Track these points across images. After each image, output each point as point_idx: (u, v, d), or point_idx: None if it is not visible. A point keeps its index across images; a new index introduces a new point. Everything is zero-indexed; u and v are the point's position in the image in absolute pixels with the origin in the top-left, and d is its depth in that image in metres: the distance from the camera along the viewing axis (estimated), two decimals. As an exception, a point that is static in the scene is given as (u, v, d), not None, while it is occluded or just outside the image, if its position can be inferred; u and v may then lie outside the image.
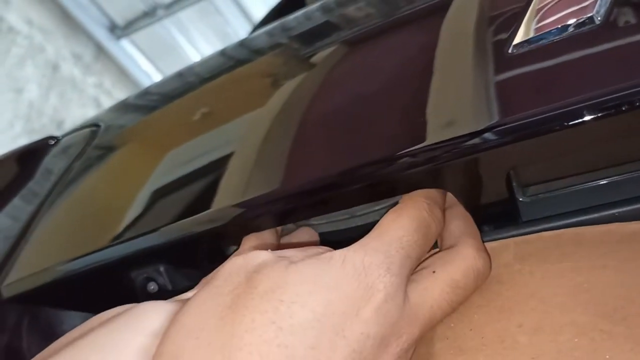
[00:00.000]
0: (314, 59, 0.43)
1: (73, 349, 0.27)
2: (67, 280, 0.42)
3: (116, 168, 0.50)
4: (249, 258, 0.28)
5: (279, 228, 0.38)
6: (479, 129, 0.27)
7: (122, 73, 2.12)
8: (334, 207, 0.35)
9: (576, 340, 0.26)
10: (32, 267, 0.45)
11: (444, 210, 0.32)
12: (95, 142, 0.54)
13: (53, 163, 0.56)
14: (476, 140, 0.28)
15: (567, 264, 0.29)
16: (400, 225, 0.29)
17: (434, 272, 0.29)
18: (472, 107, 0.29)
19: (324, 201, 0.33)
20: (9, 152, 0.58)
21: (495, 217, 0.33)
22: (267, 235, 0.37)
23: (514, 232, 0.32)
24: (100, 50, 2.12)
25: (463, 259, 0.30)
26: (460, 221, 0.32)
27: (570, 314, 0.27)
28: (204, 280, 0.32)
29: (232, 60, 0.54)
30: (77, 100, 1.97)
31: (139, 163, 0.48)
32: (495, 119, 0.27)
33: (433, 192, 0.32)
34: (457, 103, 0.29)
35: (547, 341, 0.27)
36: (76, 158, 0.53)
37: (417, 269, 0.30)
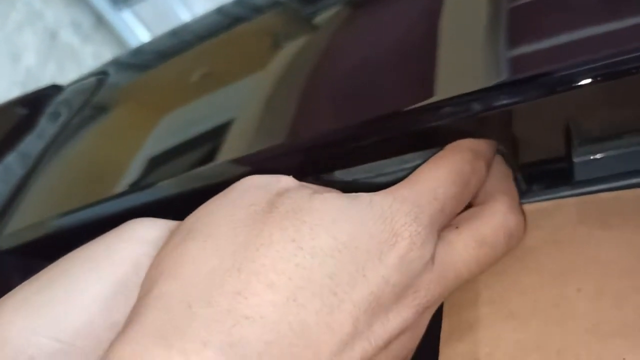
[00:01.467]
0: (324, 14, 0.41)
1: (64, 262, 0.26)
2: (64, 233, 0.40)
3: (115, 123, 0.48)
4: (271, 179, 0.26)
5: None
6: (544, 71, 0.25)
7: (122, 44, 2.08)
8: (354, 161, 0.32)
9: (643, 307, 0.24)
10: (30, 219, 0.43)
11: (489, 165, 0.29)
12: (97, 95, 0.51)
13: (55, 112, 0.53)
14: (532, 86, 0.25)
15: (630, 228, 0.26)
16: (436, 176, 0.26)
17: (457, 227, 0.27)
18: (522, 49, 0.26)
19: (349, 154, 0.30)
20: (10, 99, 0.55)
21: (546, 175, 0.31)
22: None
23: (568, 193, 0.29)
24: (100, 20, 2.09)
25: (492, 215, 0.27)
26: (495, 178, 0.29)
27: (635, 279, 0.25)
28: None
29: (248, 12, 0.51)
30: (75, 69, 1.93)
31: (138, 119, 0.46)
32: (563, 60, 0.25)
33: (481, 144, 0.28)
34: (502, 48, 0.27)
35: (609, 307, 0.24)
36: (80, 108, 0.51)
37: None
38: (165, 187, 0.35)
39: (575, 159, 0.29)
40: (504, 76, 0.26)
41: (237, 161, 0.32)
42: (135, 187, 0.37)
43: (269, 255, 0.22)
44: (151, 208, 0.35)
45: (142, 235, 0.26)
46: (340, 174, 0.36)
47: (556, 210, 0.28)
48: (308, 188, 0.26)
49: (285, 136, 0.31)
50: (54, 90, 0.56)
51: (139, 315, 0.21)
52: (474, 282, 0.28)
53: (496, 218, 0.27)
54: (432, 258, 0.25)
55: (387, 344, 0.23)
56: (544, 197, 0.29)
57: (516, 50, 0.27)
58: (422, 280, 0.24)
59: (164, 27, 0.64)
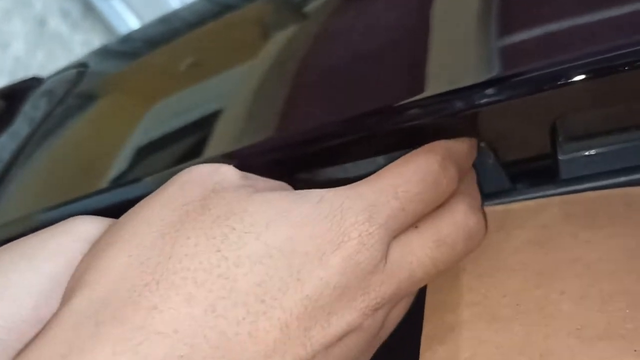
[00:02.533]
0: (315, 2, 0.40)
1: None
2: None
3: (102, 114, 0.47)
4: (212, 172, 0.25)
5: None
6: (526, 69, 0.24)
7: (111, 32, 2.06)
8: (337, 159, 0.32)
9: (628, 310, 0.23)
10: (10, 214, 0.42)
11: (466, 166, 0.28)
12: (80, 86, 0.50)
13: (36, 105, 0.52)
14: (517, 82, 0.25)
15: (617, 228, 0.26)
16: (400, 174, 0.25)
17: (416, 227, 0.26)
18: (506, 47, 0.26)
19: (329, 151, 0.30)
20: (-12, 92, 0.54)
21: (531, 173, 0.30)
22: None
23: (553, 191, 0.28)
24: (89, 8, 2.07)
25: (451, 214, 0.26)
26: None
27: (621, 282, 0.24)
28: None
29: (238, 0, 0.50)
30: (64, 57, 1.91)
31: (125, 110, 0.45)
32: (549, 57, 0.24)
33: (457, 144, 0.27)
34: (489, 44, 0.26)
35: (594, 311, 0.24)
36: (60, 101, 0.50)
37: None
38: (151, 183, 0.34)
39: (561, 157, 0.28)
40: (488, 74, 0.25)
41: (225, 156, 0.31)
42: (121, 181, 0.36)
43: (191, 267, 0.21)
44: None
45: (81, 232, 0.25)
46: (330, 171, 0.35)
47: (541, 210, 0.28)
48: (248, 186, 0.25)
49: (274, 130, 0.30)
50: (34, 82, 0.55)
51: (48, 329, 0.21)
52: (457, 283, 0.27)
53: (456, 217, 0.26)
54: (384, 258, 0.24)
55: (328, 347, 0.22)
56: (528, 195, 0.29)
57: (501, 47, 0.27)
58: (372, 282, 0.23)
59: (154, 14, 0.63)
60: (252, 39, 0.41)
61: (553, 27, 0.26)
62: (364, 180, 0.25)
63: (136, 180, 0.35)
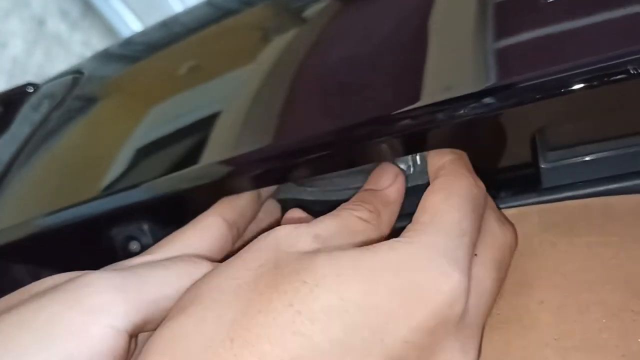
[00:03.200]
0: (314, 8, 0.40)
1: (6, 326, 0.23)
2: (42, 235, 0.39)
3: (99, 119, 0.47)
4: (288, 234, 0.24)
5: (262, 191, 0.35)
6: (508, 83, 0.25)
7: (110, 31, 2.06)
8: (328, 167, 0.32)
9: (604, 321, 0.24)
10: (7, 221, 0.42)
11: None
12: (77, 91, 0.51)
13: (31, 111, 0.52)
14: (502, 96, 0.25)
15: (595, 238, 0.26)
16: (454, 207, 0.24)
17: (476, 255, 0.24)
18: (487, 61, 0.26)
19: (319, 160, 0.30)
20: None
21: (514, 182, 0.30)
22: (244, 200, 0.32)
23: (535, 200, 0.29)
24: (88, 7, 2.06)
25: (491, 233, 0.25)
26: None
27: (598, 292, 0.24)
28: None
29: (238, 5, 0.51)
30: (63, 57, 1.91)
31: (123, 115, 0.45)
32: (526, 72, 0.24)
33: (464, 157, 0.27)
34: (473, 58, 0.27)
35: (571, 321, 0.24)
36: (56, 106, 0.50)
37: None
38: (151, 188, 0.34)
39: (543, 165, 0.29)
40: (472, 87, 0.26)
41: (224, 162, 0.31)
42: (120, 186, 0.36)
43: (265, 323, 0.20)
44: (135, 208, 0.36)
45: (93, 303, 0.23)
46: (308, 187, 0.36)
47: (522, 218, 0.28)
48: (319, 243, 0.24)
49: (273, 137, 0.31)
50: (29, 88, 0.55)
51: None
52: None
53: (496, 234, 0.26)
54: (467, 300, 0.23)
55: None
56: (511, 204, 0.29)
57: (486, 59, 0.27)
58: (462, 331, 0.23)
59: (153, 13, 0.64)
60: (251, 44, 0.41)
61: (533, 41, 0.26)
62: (418, 225, 0.24)
63: (134, 185, 0.35)
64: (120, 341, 0.23)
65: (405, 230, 0.24)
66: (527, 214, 0.28)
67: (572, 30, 0.26)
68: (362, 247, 0.23)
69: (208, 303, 0.22)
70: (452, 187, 0.25)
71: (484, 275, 0.24)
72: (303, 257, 0.23)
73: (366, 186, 0.29)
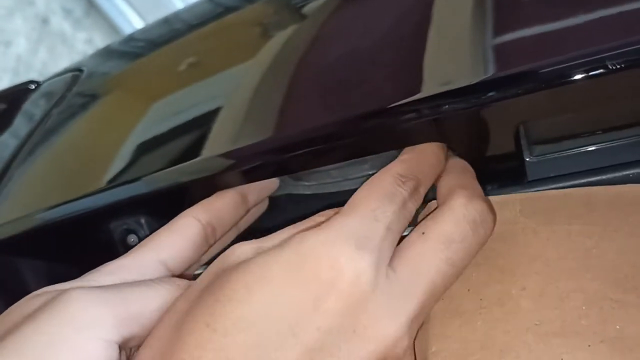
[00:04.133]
0: (315, 4, 0.41)
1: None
2: (42, 229, 0.40)
3: (99, 115, 0.47)
4: (232, 252, 0.26)
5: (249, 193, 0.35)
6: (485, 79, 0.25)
7: (113, 29, 2.06)
8: (326, 159, 0.33)
9: (584, 308, 0.24)
10: (8, 215, 0.43)
11: (442, 170, 0.29)
12: (78, 88, 0.52)
13: (33, 108, 0.53)
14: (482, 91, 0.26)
15: (576, 227, 0.27)
16: (372, 197, 0.26)
17: (423, 233, 0.26)
18: (475, 56, 0.27)
19: (317, 153, 0.31)
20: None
21: (500, 175, 0.31)
22: (220, 201, 0.33)
23: (520, 192, 0.29)
24: (91, 5, 2.07)
25: (451, 210, 0.26)
26: (450, 176, 0.29)
27: (579, 280, 0.25)
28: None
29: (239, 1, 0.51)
30: (67, 55, 1.92)
31: (122, 110, 0.46)
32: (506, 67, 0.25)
33: (426, 151, 0.29)
34: (458, 53, 0.27)
35: (551, 308, 0.25)
36: (57, 103, 0.51)
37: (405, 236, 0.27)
38: (150, 181, 0.35)
39: (527, 158, 0.29)
40: (458, 82, 0.26)
41: (224, 156, 0.32)
42: (120, 180, 0.37)
43: (191, 345, 0.22)
44: (134, 202, 0.36)
45: (84, 318, 0.24)
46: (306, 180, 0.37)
47: (503, 206, 0.28)
48: (239, 256, 0.25)
49: (272, 130, 0.31)
50: (31, 85, 0.56)
51: None
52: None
53: (456, 212, 0.26)
54: (389, 277, 0.24)
55: None
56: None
57: (471, 54, 0.28)
58: (391, 306, 0.23)
59: (156, 11, 0.64)
60: (251, 40, 0.41)
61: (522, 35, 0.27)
62: (339, 212, 0.25)
63: (134, 179, 0.36)
64: (113, 353, 0.24)
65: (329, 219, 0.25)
66: (510, 201, 0.29)
67: (555, 26, 0.26)
68: (272, 248, 0.24)
69: (150, 337, 0.24)
70: (373, 180, 0.27)
71: (426, 249, 0.25)
72: (223, 274, 0.24)
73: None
